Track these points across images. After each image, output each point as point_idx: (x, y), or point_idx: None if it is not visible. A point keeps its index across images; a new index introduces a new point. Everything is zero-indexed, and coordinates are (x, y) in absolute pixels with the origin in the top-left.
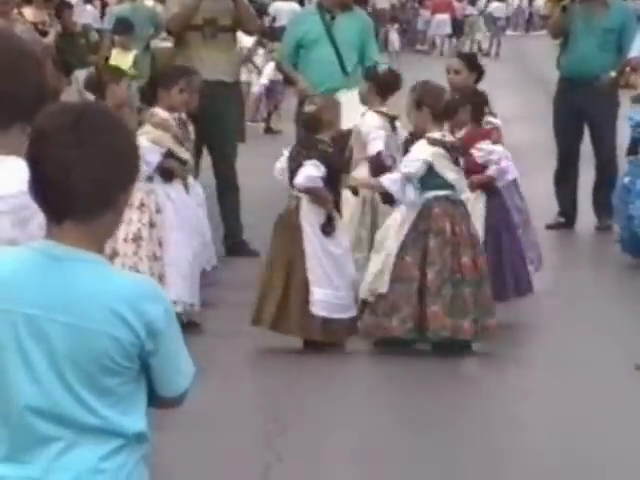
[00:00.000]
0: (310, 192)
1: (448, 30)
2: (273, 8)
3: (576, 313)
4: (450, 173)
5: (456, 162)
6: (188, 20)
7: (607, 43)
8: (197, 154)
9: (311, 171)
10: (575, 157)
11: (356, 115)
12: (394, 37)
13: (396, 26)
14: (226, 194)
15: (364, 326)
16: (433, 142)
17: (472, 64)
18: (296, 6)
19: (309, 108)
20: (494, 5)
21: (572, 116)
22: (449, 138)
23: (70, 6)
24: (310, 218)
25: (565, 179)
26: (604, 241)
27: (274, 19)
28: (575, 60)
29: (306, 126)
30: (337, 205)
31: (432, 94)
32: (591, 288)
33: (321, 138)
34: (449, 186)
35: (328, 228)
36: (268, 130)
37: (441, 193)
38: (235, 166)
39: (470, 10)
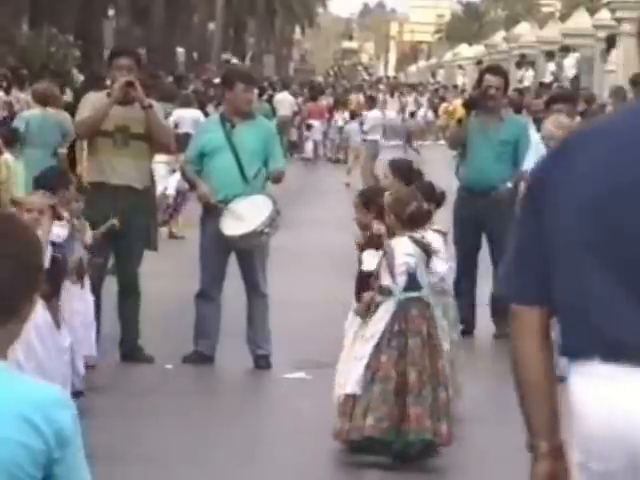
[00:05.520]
0: None
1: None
2: (175, 115)
3: (482, 422)
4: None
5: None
6: (96, 124)
7: (503, 155)
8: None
9: None
10: (473, 266)
11: (260, 219)
12: (309, 146)
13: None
14: (127, 299)
15: (335, 430)
16: (414, 242)
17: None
18: (199, 113)
19: None
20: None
21: (471, 226)
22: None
23: None
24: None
25: (463, 287)
26: (503, 349)
27: (176, 126)
28: (473, 171)
29: None
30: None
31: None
32: (494, 396)
33: None
34: (421, 287)
35: None
36: (171, 235)
37: (414, 294)
38: (138, 272)
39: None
